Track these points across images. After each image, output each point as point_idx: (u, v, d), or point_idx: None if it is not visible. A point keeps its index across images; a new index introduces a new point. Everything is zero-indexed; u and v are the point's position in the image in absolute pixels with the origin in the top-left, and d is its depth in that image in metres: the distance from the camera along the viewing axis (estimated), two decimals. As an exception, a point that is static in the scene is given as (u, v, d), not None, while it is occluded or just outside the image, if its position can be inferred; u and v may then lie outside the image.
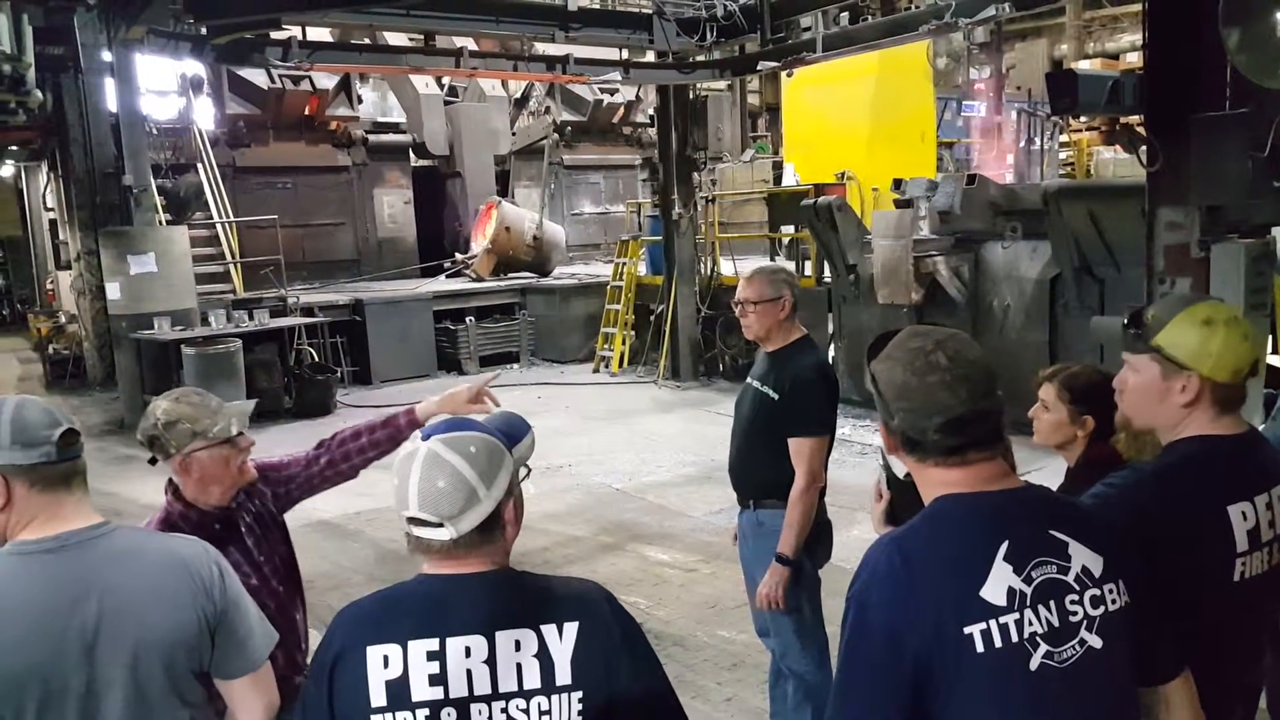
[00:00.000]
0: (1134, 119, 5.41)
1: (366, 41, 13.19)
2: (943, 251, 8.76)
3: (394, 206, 16.27)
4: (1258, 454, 1.92)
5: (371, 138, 15.85)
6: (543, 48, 10.45)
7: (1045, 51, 23.15)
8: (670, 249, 11.76)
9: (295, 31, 9.25)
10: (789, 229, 11.63)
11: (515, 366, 13.39)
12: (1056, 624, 1.49)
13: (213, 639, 1.73)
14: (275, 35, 9.01)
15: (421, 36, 13.38)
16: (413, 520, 1.48)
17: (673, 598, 5.36)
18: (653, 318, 12.24)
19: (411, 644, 1.45)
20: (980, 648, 1.45)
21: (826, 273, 10.39)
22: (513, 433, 1.62)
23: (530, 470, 1.64)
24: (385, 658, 1.46)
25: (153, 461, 2.27)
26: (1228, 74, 4.79)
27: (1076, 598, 1.51)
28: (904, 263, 8.65)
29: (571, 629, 1.48)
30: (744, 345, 11.71)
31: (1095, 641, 1.51)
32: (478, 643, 1.45)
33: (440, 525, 1.46)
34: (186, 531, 2.24)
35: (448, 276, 15.04)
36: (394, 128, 16.31)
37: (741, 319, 3.40)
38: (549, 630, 1.47)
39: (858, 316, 9.68)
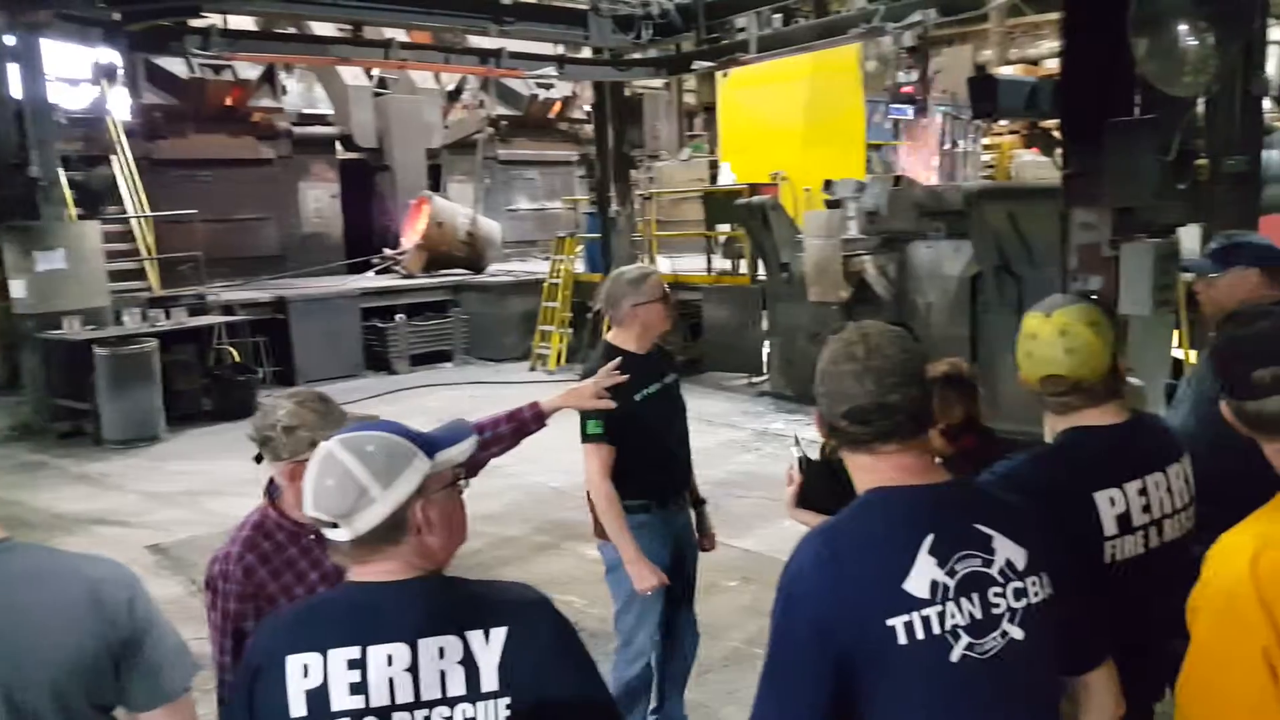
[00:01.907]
0: (1051, 123, 5.52)
1: (292, 31, 12.86)
2: (870, 251, 8.98)
3: (320, 201, 15.87)
4: (1135, 442, 2.01)
5: (297, 130, 15.43)
6: (476, 41, 10.33)
7: (970, 57, 23.60)
8: (608, 246, 11.72)
9: (216, 19, 8.96)
10: (725, 227, 11.67)
11: (448, 365, 13.20)
12: (979, 616, 1.52)
13: (117, 668, 1.60)
14: (194, 23, 8.71)
15: (350, 27, 13.08)
16: (313, 520, 1.47)
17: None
18: (590, 315, 12.16)
19: (332, 652, 1.42)
20: (903, 640, 1.47)
21: (761, 270, 10.47)
22: (445, 436, 1.56)
23: (465, 475, 1.58)
24: (305, 667, 1.42)
25: (258, 459, 2.22)
26: (1137, 82, 4.92)
27: (1000, 590, 1.54)
28: (834, 261, 8.83)
29: (499, 634, 1.44)
30: (681, 342, 11.73)
31: (1017, 633, 1.54)
32: (400, 650, 1.41)
33: (335, 525, 1.44)
34: (279, 540, 2.21)
35: (377, 273, 14.75)
36: (321, 120, 15.91)
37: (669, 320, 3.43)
38: (475, 636, 1.44)
39: (791, 313, 9.79)
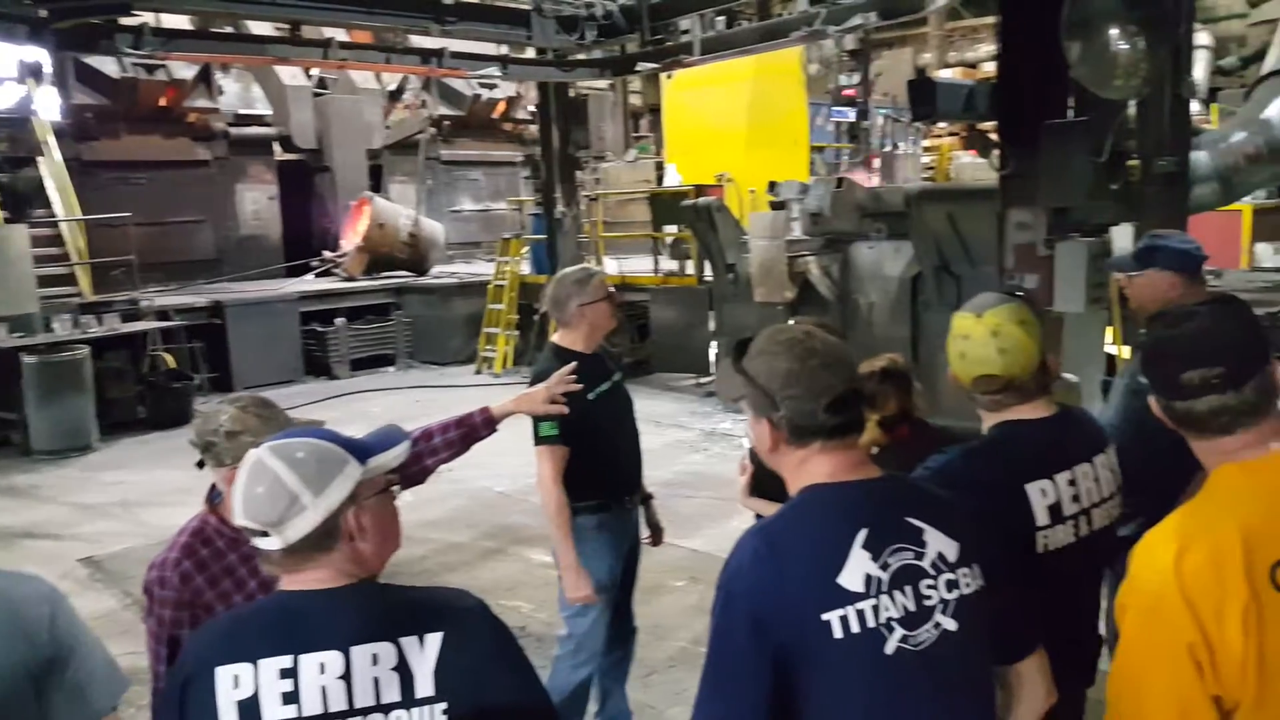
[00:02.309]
0: (988, 125, 5.63)
1: (229, 30, 12.58)
2: (814, 252, 9.07)
3: (258, 203, 15.55)
4: (1064, 435, 2.07)
5: (234, 131, 15.10)
6: (418, 40, 10.20)
7: (910, 60, 24.05)
8: (554, 248, 11.66)
9: (148, 18, 8.72)
10: (672, 229, 11.70)
11: (391, 370, 13.02)
12: (912, 608, 1.55)
13: (38, 690, 1.54)
14: (125, 21, 8.46)
15: (288, 26, 12.84)
16: (244, 529, 1.45)
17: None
18: (537, 317, 12.09)
19: (263, 662, 1.39)
20: (838, 634, 1.50)
21: (708, 271, 10.51)
22: (378, 442, 1.54)
23: (399, 481, 1.58)
24: (235, 677, 1.39)
25: (200, 465, 2.18)
26: (1071, 85, 5.02)
27: (932, 582, 1.57)
28: (779, 262, 8.91)
29: (434, 639, 1.43)
30: (629, 344, 11.72)
31: (950, 624, 1.57)
32: (333, 658, 1.40)
33: (265, 534, 1.42)
34: (219, 547, 2.17)
35: (316, 276, 14.49)
36: (258, 120, 15.60)
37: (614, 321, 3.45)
38: (409, 642, 1.42)
39: (737, 314, 9.83)
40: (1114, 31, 4.70)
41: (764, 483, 2.86)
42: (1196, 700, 1.41)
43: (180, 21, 11.38)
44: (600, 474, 3.34)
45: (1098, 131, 4.91)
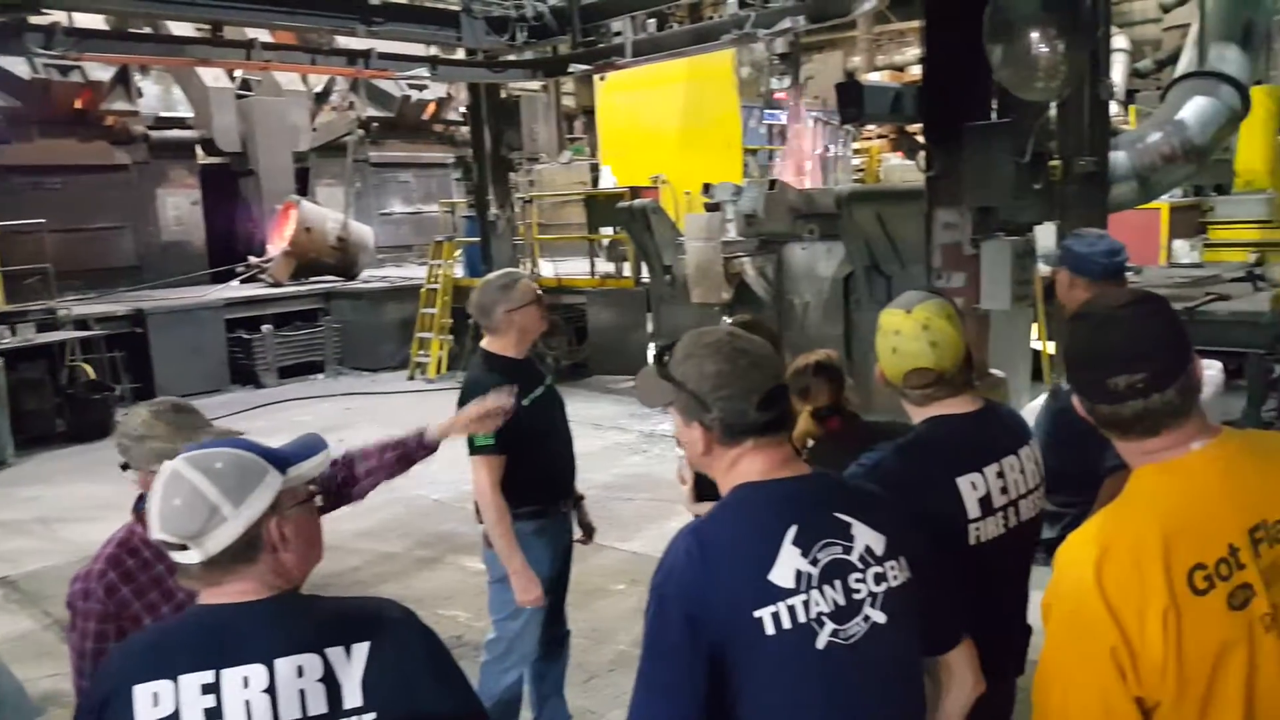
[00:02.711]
0: (915, 127, 5.71)
1: (147, 31, 12.21)
2: (749, 253, 9.14)
3: (180, 208, 15.13)
4: (989, 429, 2.12)
5: (154, 134, 14.67)
6: (344, 41, 10.01)
7: (840, 63, 24.40)
8: (488, 250, 11.55)
9: (60, 16, 8.41)
10: (608, 230, 11.69)
11: (320, 377, 12.75)
12: (842, 602, 1.57)
13: None
14: (35, 20, 8.15)
15: (209, 26, 12.52)
16: (162, 544, 1.42)
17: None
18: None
19: (184, 678, 1.37)
20: (770, 630, 1.51)
21: (645, 273, 10.52)
22: (298, 451, 1.52)
23: (322, 490, 1.57)
24: (155, 695, 1.36)
25: (124, 467, 2.19)
26: (994, 87, 5.12)
27: (860, 576, 1.60)
28: (715, 263, 8.96)
29: (361, 649, 1.41)
30: (566, 346, 11.66)
31: (879, 617, 1.60)
32: (257, 671, 1.37)
33: (184, 547, 1.40)
34: (146, 557, 2.11)
35: (242, 282, 14.15)
36: (180, 123, 15.19)
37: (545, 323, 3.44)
38: (335, 653, 1.40)
39: (675, 315, 9.86)
40: (1034, 35, 4.79)
41: (707, 486, 2.88)
42: (1119, 702, 1.42)
43: (95, 21, 11.02)
44: (537, 479, 3.31)
45: (1020, 133, 5.00)
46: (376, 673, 1.41)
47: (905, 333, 2.06)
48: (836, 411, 2.97)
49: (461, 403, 3.24)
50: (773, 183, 9.57)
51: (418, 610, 1.56)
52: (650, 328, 10.36)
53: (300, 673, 1.38)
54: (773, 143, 18.58)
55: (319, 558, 1.55)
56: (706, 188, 10.49)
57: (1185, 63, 8.28)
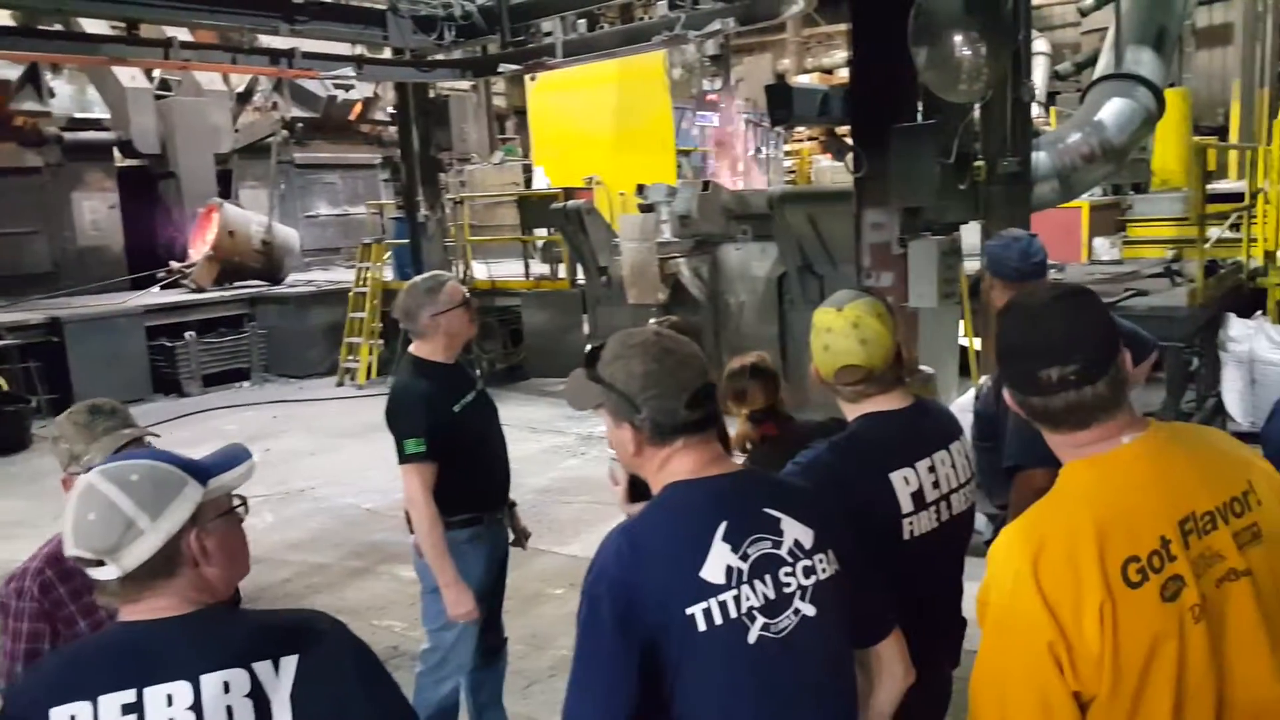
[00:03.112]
0: (843, 129, 5.77)
1: (58, 28, 11.77)
2: (684, 253, 9.18)
3: (97, 212, 14.61)
4: (921, 424, 2.17)
5: (68, 135, 14.13)
6: (267, 40, 9.77)
7: (770, 65, 24.63)
8: (418, 252, 11.39)
9: (-37, 11, 8.06)
10: (542, 232, 11.61)
11: (246, 384, 12.43)
12: (772, 596, 1.59)
13: None
14: (-63, 15, 7.81)
15: (125, 24, 12.12)
16: (77, 560, 1.38)
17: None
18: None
19: (103, 699, 1.32)
20: (702, 626, 1.53)
21: (581, 274, 10.47)
22: (220, 462, 1.48)
23: (245, 501, 1.51)
24: (72, 718, 1.32)
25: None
26: (919, 90, 5.19)
27: (790, 569, 1.62)
28: (650, 264, 8.98)
29: (290, 663, 1.38)
30: (502, 350, 11.55)
31: (809, 610, 1.62)
32: (181, 689, 1.33)
33: (100, 563, 1.36)
34: None
35: (163, 288, 13.73)
36: (95, 124, 14.65)
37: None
38: (263, 667, 1.37)
39: (611, 317, 9.84)
40: (958, 38, 4.88)
41: (642, 486, 2.86)
42: (1058, 698, 1.43)
43: (1, 17, 10.59)
44: (470, 487, 3.25)
45: (945, 134, 5.09)
46: (306, 687, 1.38)
47: (836, 330, 2.10)
48: (772, 415, 2.99)
49: (389, 411, 3.17)
50: (706, 184, 9.62)
51: (352, 621, 1.53)
52: (586, 329, 10.32)
53: (226, 689, 1.34)
54: (705, 144, 18.68)
55: (245, 571, 1.52)
56: (640, 189, 10.48)
57: (1103, 66, 8.50)
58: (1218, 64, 18.55)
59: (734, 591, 1.56)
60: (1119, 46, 7.88)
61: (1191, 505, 1.51)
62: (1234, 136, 14.69)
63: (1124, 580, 1.43)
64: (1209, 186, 9.46)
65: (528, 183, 15.02)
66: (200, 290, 13.21)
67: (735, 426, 2.80)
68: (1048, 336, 1.54)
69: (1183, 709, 1.44)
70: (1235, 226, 9.34)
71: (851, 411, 2.16)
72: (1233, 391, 7.38)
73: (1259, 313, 8.28)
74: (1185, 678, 1.44)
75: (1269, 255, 9.27)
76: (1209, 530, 1.50)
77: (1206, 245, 7.93)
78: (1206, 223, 8.13)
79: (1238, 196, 9.86)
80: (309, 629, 1.45)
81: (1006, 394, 1.61)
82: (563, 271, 11.13)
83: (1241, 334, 7.49)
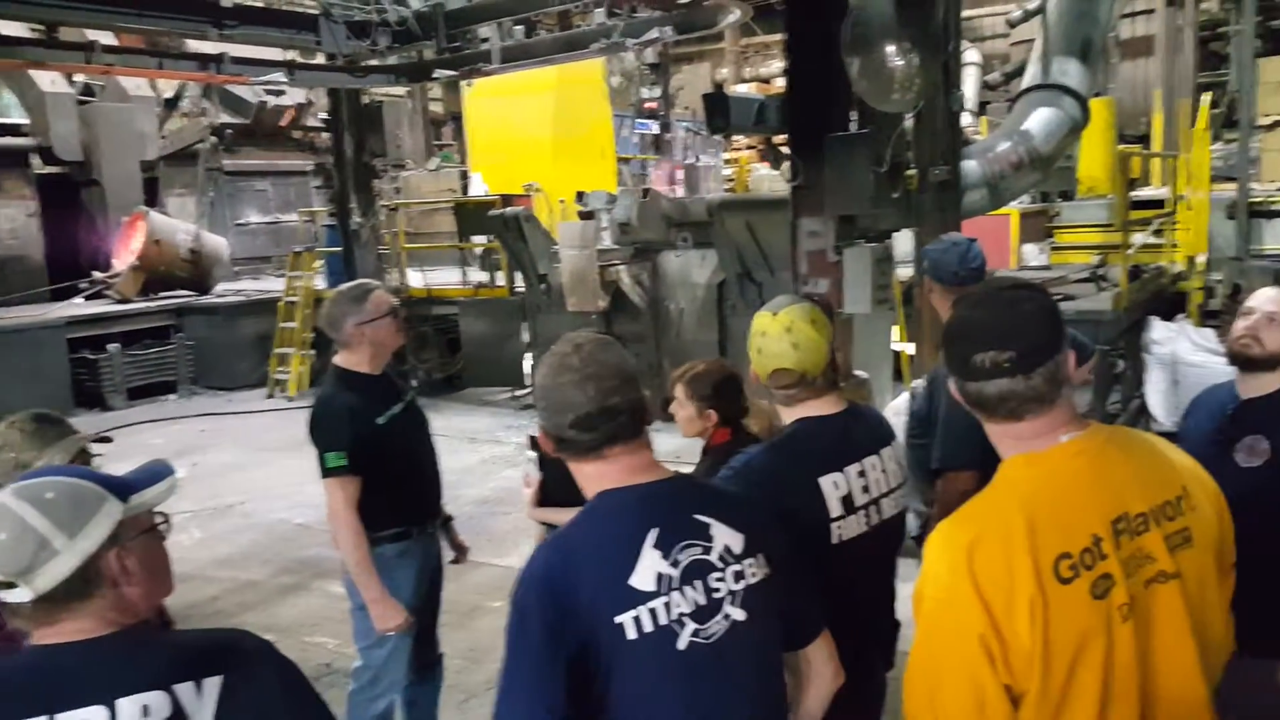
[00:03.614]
0: (780, 138, 5.81)
1: (-29, 30, 11.35)
2: (624, 261, 9.19)
3: (15, 220, 14.11)
4: (853, 429, 2.19)
5: (-17, 141, 13.70)
6: (195, 45, 9.53)
7: (709, 74, 24.83)
8: (351, 261, 11.20)
9: None
10: (480, 239, 11.50)
11: (173, 397, 12.10)
12: (702, 602, 1.60)
13: None
14: None
15: (44, 27, 11.72)
16: None
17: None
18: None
19: None
20: (632, 634, 1.54)
21: (519, 282, 10.39)
22: (142, 478, 1.43)
23: (168, 518, 1.47)
24: None
25: None
26: (853, 99, 5.25)
27: (720, 575, 1.63)
28: (590, 272, 8.95)
29: (214, 684, 1.34)
30: (439, 360, 11.40)
31: (739, 614, 1.63)
32: (97, 714, 1.28)
33: (12, 585, 1.30)
34: None
35: (85, 299, 13.28)
36: (13, 130, 14.20)
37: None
38: (185, 689, 1.32)
39: (551, 324, 9.79)
40: (890, 49, 4.95)
41: (552, 491, 2.83)
42: (990, 691, 1.44)
43: (-90, 17, 10.19)
44: (398, 501, 3.17)
45: (878, 143, 5.15)
46: (230, 708, 1.33)
47: (770, 334, 2.14)
48: (731, 422, 2.91)
49: (311, 423, 3.10)
50: (646, 191, 9.64)
51: (283, 639, 1.47)
52: (526, 337, 10.24)
53: (146, 712, 1.29)
54: (645, 151, 18.75)
55: (168, 590, 1.48)
56: (580, 196, 10.46)
57: (1030, 76, 8.70)
58: (1140, 74, 19.14)
59: (664, 598, 1.56)
60: (1045, 57, 8.08)
61: (1125, 506, 1.52)
62: (1156, 145, 15.14)
63: (1055, 576, 1.45)
64: (1132, 194, 9.77)
65: (465, 189, 14.91)
66: (125, 301, 12.84)
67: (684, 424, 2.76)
68: (986, 322, 1.56)
69: (1109, 706, 1.46)
70: (1158, 232, 9.64)
71: (787, 415, 2.19)
72: (1156, 393, 7.56)
73: (1180, 316, 8.54)
74: (1112, 675, 1.46)
75: (1190, 260, 9.58)
76: (1141, 531, 1.52)
77: (1130, 251, 8.16)
78: (1130, 229, 8.36)
79: (1160, 203, 10.19)
80: (233, 648, 1.41)
81: (950, 384, 1.62)
82: (501, 279, 11.04)
83: (1164, 337, 7.69)
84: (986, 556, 1.46)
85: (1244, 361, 2.52)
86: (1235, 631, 1.66)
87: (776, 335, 2.13)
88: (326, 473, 3.03)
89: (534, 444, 2.84)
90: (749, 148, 19.87)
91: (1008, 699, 1.44)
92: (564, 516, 2.71)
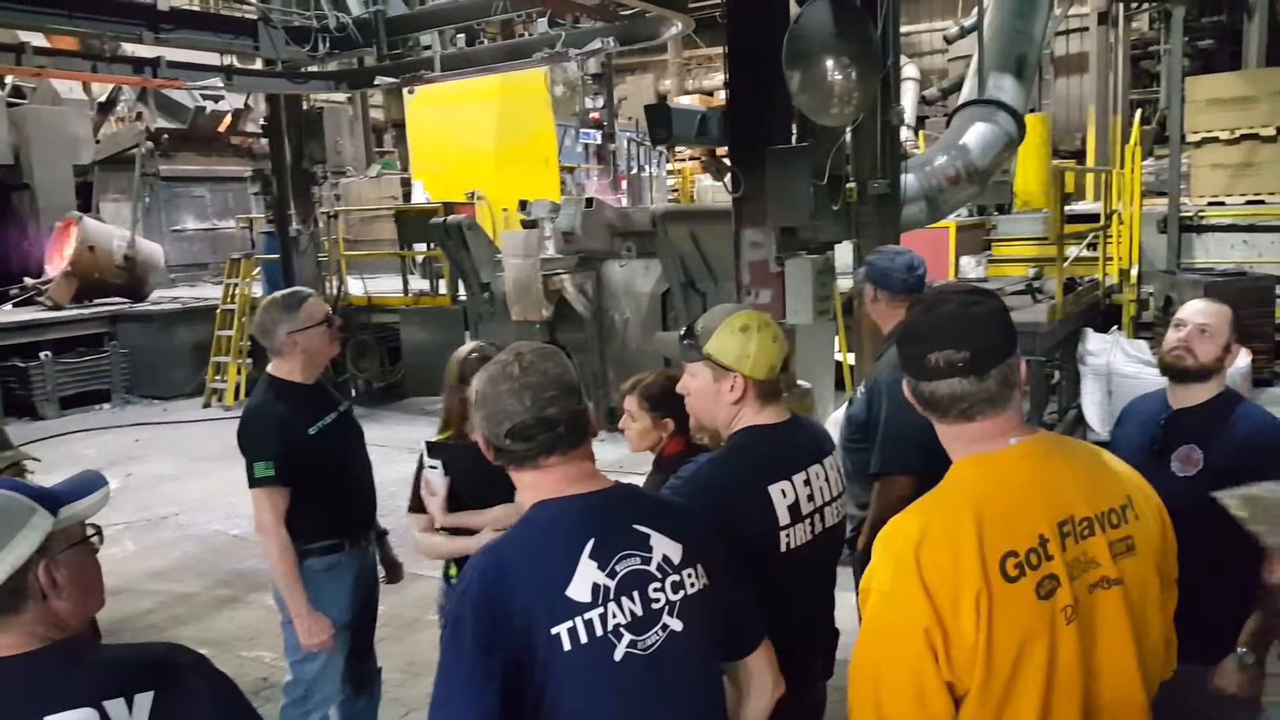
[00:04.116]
0: (723, 150, 5.87)
1: (-106, 28, 10.99)
2: (568, 270, 9.15)
3: (-60, 224, 13.72)
4: (796, 438, 2.21)
5: (-94, 143, 13.25)
6: (131, 48, 9.32)
7: (652, 85, 24.95)
8: (289, 268, 11.03)
9: None
10: (421, 247, 11.38)
11: (107, 406, 11.80)
12: (640, 613, 1.59)
13: None
14: None
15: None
16: None
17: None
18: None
19: None
20: (567, 646, 1.53)
21: (462, 291, 10.31)
22: (73, 489, 1.41)
23: (99, 530, 1.44)
24: None
25: None
26: (793, 113, 5.31)
27: (659, 585, 1.62)
28: (534, 281, 8.91)
29: (145, 700, 1.31)
30: (379, 369, 11.27)
31: (676, 625, 1.62)
32: None
33: None
34: None
35: (16, 305, 12.93)
36: (-62, 132, 13.78)
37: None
38: (114, 705, 1.29)
39: (494, 333, 9.71)
40: (829, 63, 5.02)
41: (462, 495, 2.81)
42: (932, 685, 1.46)
43: None
44: (331, 512, 3.12)
45: (818, 156, 5.21)
46: None
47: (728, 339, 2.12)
48: (684, 432, 2.92)
49: (240, 432, 3.05)
50: (590, 201, 9.63)
51: (219, 653, 1.44)
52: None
53: None
54: (589, 161, 18.76)
55: (99, 603, 1.46)
56: (523, 204, 10.42)
57: (967, 91, 8.86)
58: (1075, 91, 19.66)
59: (600, 609, 1.55)
60: (982, 73, 8.22)
61: (1070, 509, 1.55)
62: (1090, 160, 15.52)
63: (1002, 574, 1.46)
64: (1067, 208, 10.01)
65: (406, 197, 14.77)
66: (57, 308, 12.51)
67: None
68: (941, 324, 1.58)
69: (1051, 708, 1.48)
70: (1092, 246, 9.88)
71: (732, 425, 2.18)
72: (1091, 403, 7.73)
73: (1115, 328, 8.77)
74: (1055, 676, 1.48)
75: (1124, 273, 9.85)
76: (1086, 536, 1.55)
77: (1065, 263, 8.35)
78: (1065, 242, 8.55)
79: (1094, 217, 10.45)
80: (165, 663, 1.39)
81: (904, 383, 1.64)
82: (443, 287, 10.95)
83: (1099, 348, 7.86)
84: (933, 552, 1.47)
85: (1177, 373, 2.59)
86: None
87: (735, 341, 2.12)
88: (254, 483, 2.98)
89: (431, 450, 2.80)
90: (693, 158, 19.99)
91: (949, 696, 1.46)
92: (480, 519, 2.70)
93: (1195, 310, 2.63)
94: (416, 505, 2.94)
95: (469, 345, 3.08)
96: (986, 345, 1.55)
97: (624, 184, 18.05)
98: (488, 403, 1.64)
